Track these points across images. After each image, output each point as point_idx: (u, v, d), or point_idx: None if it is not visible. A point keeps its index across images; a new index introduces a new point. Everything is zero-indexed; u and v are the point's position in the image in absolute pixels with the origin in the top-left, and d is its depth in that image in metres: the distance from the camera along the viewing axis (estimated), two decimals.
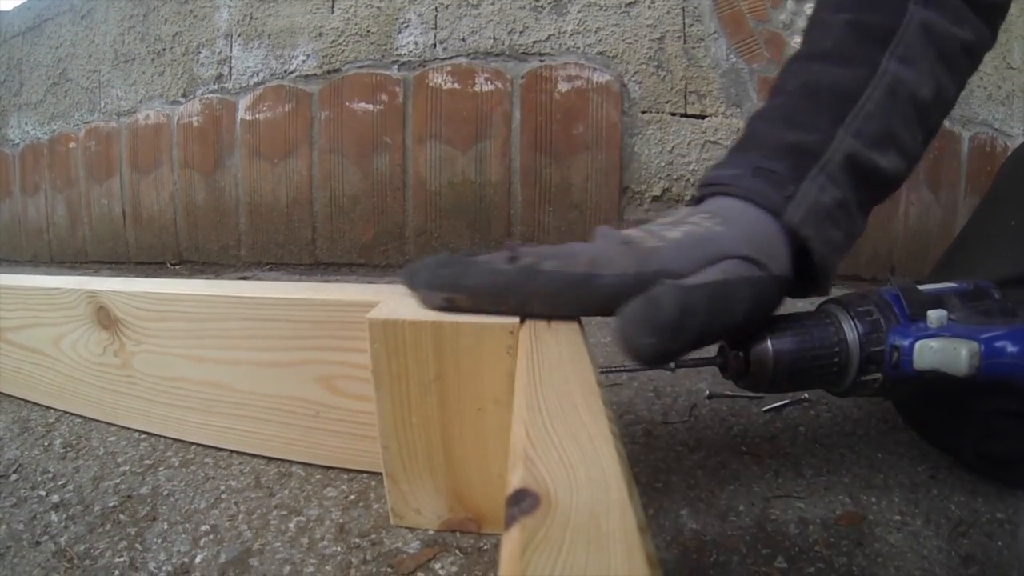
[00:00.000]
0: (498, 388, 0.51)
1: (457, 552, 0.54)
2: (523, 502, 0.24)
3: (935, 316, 0.52)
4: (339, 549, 0.55)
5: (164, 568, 0.53)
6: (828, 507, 0.62)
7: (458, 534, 0.56)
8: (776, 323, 0.56)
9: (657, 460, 0.71)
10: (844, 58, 0.63)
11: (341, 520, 0.59)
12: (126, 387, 0.78)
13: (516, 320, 0.50)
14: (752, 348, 0.55)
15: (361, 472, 0.67)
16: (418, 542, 0.55)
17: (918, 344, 0.52)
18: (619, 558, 0.20)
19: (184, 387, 0.73)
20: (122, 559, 0.54)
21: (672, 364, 0.58)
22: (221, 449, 0.73)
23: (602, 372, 0.53)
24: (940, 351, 0.51)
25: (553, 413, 0.33)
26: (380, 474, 0.59)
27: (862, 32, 0.64)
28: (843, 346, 0.54)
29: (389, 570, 0.52)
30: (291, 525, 0.58)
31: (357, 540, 0.56)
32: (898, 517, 0.61)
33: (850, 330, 0.54)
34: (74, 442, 0.77)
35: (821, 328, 0.55)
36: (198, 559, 0.54)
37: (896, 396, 0.57)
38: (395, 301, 0.56)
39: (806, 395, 0.88)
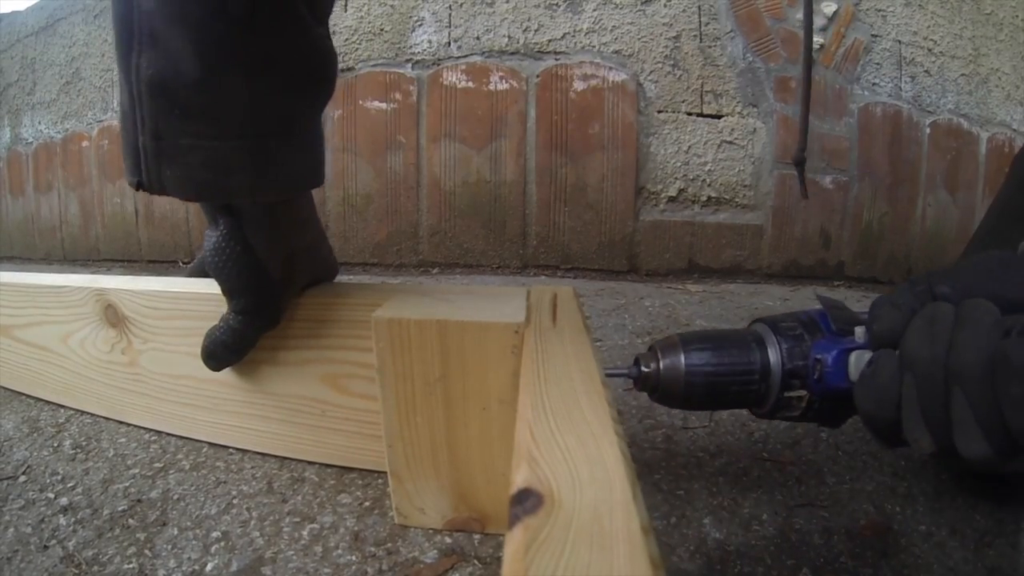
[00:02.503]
0: (503, 387, 0.51)
1: (476, 562, 0.53)
2: (527, 501, 0.24)
3: (861, 331, 0.49)
4: (354, 558, 0.53)
5: (174, 575, 0.52)
6: (852, 516, 0.61)
7: (476, 542, 0.55)
8: (695, 338, 0.53)
9: (678, 466, 0.69)
10: None
11: (356, 528, 0.58)
12: (133, 385, 0.77)
13: (522, 319, 0.50)
14: (663, 361, 0.53)
15: (374, 475, 0.66)
16: (435, 551, 0.54)
17: (853, 355, 0.49)
18: (622, 558, 0.20)
19: (191, 385, 0.73)
20: (131, 566, 0.53)
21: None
22: (232, 452, 0.73)
23: (607, 374, 0.51)
24: None
25: (557, 413, 0.33)
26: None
27: None
28: (764, 363, 0.51)
29: None
30: (304, 532, 0.57)
31: (372, 549, 0.55)
32: (923, 527, 0.59)
33: (772, 346, 0.51)
34: (84, 443, 0.76)
35: (741, 344, 0.52)
36: (209, 567, 0.53)
37: (825, 418, 0.54)
38: (401, 299, 0.56)
39: None
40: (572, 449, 0.28)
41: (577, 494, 0.24)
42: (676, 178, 1.99)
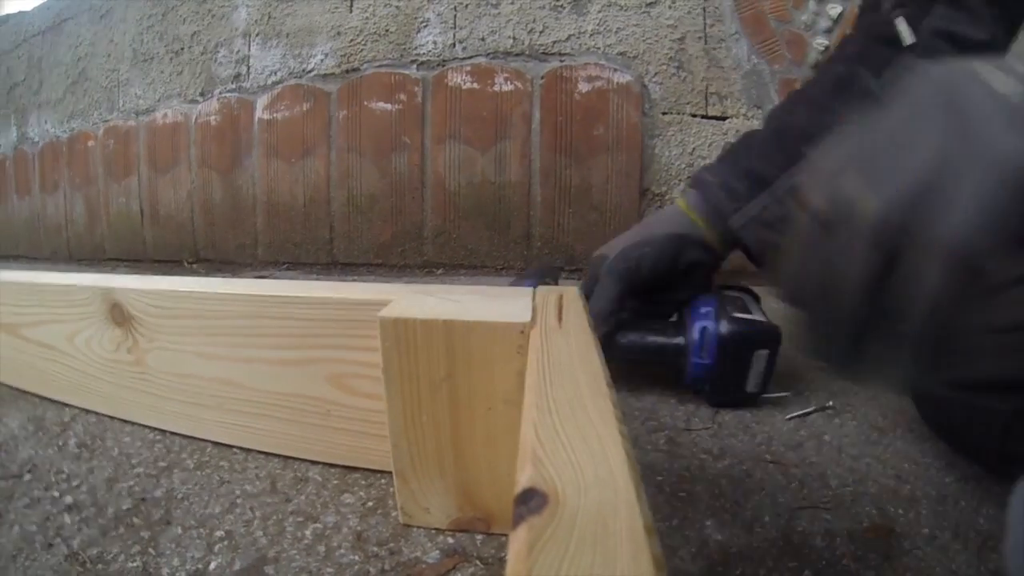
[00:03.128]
0: (508, 387, 0.51)
1: (478, 562, 0.53)
2: (531, 501, 0.24)
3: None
4: (356, 558, 0.54)
5: (178, 574, 0.52)
6: (855, 519, 0.61)
7: (478, 543, 0.55)
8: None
9: (681, 468, 0.69)
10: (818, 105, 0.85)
11: (359, 528, 0.58)
12: (139, 384, 0.77)
13: (527, 319, 0.50)
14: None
15: (377, 475, 0.66)
16: (437, 551, 0.54)
17: None
18: (625, 558, 0.20)
19: (197, 384, 0.73)
20: (135, 564, 0.54)
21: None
22: (236, 451, 0.73)
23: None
24: None
25: (562, 413, 0.33)
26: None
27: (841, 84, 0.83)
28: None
29: None
30: (307, 532, 0.57)
31: (375, 549, 0.55)
32: (926, 530, 0.59)
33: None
34: (88, 442, 0.77)
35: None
36: (212, 565, 0.53)
37: None
38: (407, 300, 0.56)
39: (830, 403, 0.87)
40: (577, 449, 0.28)
41: (581, 494, 0.24)
42: (680, 180, 1.99)
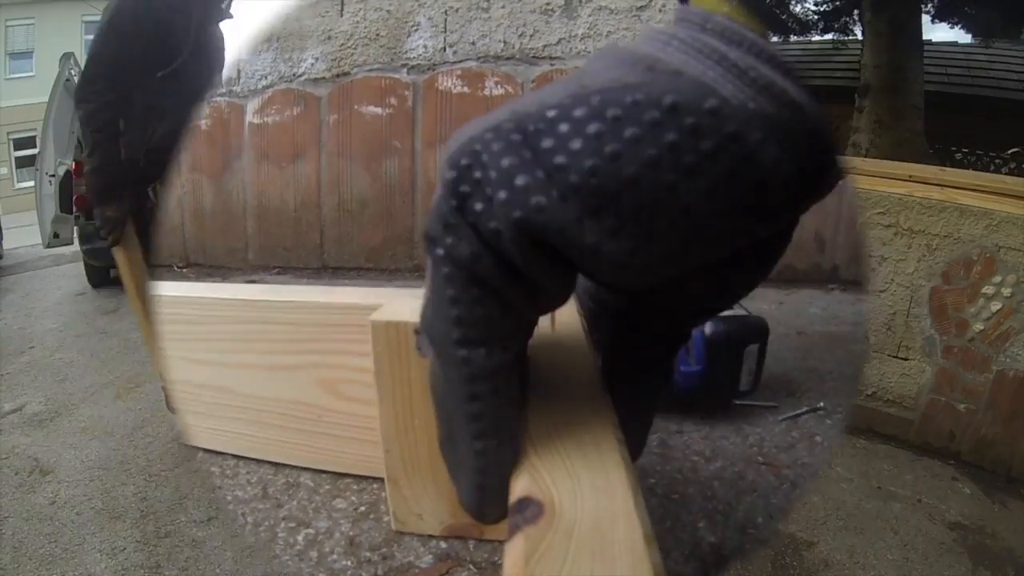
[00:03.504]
0: None
1: (471, 567, 0.53)
2: (527, 510, 0.23)
3: None
4: (349, 563, 0.53)
5: None
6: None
7: (471, 548, 0.55)
8: None
9: (673, 471, 0.69)
10: None
11: (351, 533, 0.58)
12: None
13: None
14: None
15: (369, 480, 0.66)
16: (430, 556, 0.54)
17: None
18: (625, 569, 0.19)
19: (187, 391, 0.72)
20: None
21: None
22: (227, 457, 0.72)
23: None
24: None
25: (557, 419, 0.32)
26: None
27: None
28: None
29: None
30: (299, 538, 0.57)
31: (367, 554, 0.55)
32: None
33: None
34: None
35: None
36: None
37: None
38: (398, 303, 0.55)
39: (822, 404, 0.87)
40: (572, 456, 0.28)
41: (578, 502, 0.24)
42: None
